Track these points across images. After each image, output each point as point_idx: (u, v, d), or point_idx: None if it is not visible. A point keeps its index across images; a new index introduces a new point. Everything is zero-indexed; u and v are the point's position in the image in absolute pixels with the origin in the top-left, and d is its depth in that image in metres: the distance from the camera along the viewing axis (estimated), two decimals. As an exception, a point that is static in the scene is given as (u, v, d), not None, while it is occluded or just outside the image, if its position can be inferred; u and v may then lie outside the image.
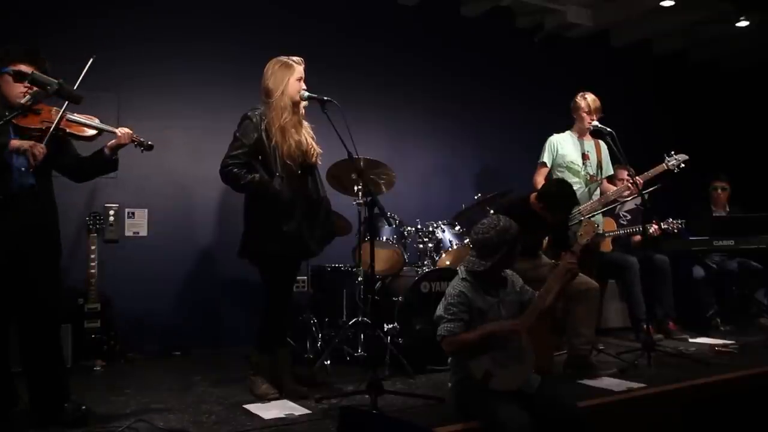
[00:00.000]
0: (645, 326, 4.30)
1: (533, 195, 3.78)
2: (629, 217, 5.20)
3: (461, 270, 2.77)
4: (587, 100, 4.49)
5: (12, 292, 2.72)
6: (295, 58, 3.29)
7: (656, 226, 4.83)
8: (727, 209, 5.74)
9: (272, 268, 3.25)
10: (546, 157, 4.54)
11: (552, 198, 3.67)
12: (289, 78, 3.23)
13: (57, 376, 2.82)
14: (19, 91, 2.75)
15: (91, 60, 2.81)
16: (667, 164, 4.46)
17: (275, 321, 3.30)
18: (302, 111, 3.32)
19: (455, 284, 2.73)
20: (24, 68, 2.70)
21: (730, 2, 5.57)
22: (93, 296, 4.01)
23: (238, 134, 3.22)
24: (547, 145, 4.57)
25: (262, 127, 3.19)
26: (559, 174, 4.48)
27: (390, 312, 3.94)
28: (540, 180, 4.48)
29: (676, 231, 4.87)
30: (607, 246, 5.05)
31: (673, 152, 4.49)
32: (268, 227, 3.17)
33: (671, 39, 6.74)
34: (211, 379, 3.65)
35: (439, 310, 2.71)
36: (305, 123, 3.35)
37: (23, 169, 2.69)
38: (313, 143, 3.33)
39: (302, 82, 3.28)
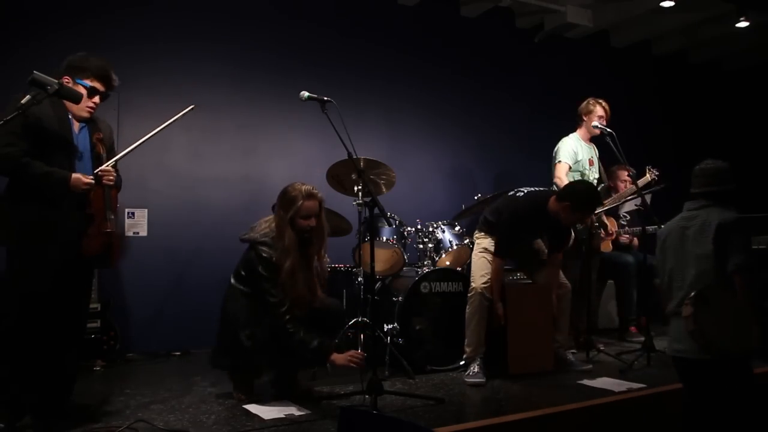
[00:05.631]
0: (635, 325, 4.35)
1: (552, 198, 3.62)
2: (628, 217, 5.19)
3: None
4: (603, 106, 4.49)
5: (72, 295, 2.75)
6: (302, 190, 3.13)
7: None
8: None
9: None
10: (568, 158, 4.46)
11: (580, 196, 3.51)
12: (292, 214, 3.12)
13: (73, 372, 2.86)
14: (87, 106, 2.73)
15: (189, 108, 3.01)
16: (650, 175, 4.71)
17: None
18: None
19: None
20: (98, 86, 2.73)
21: (730, 2, 5.56)
22: (92, 296, 4.00)
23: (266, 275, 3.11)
24: (564, 145, 4.51)
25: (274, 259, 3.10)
26: (574, 177, 4.44)
27: (390, 312, 3.94)
28: (565, 179, 4.36)
29: None
30: (607, 246, 5.05)
31: (648, 167, 4.75)
32: None
33: (671, 39, 6.74)
34: (211, 379, 3.65)
35: None
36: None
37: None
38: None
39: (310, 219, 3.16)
